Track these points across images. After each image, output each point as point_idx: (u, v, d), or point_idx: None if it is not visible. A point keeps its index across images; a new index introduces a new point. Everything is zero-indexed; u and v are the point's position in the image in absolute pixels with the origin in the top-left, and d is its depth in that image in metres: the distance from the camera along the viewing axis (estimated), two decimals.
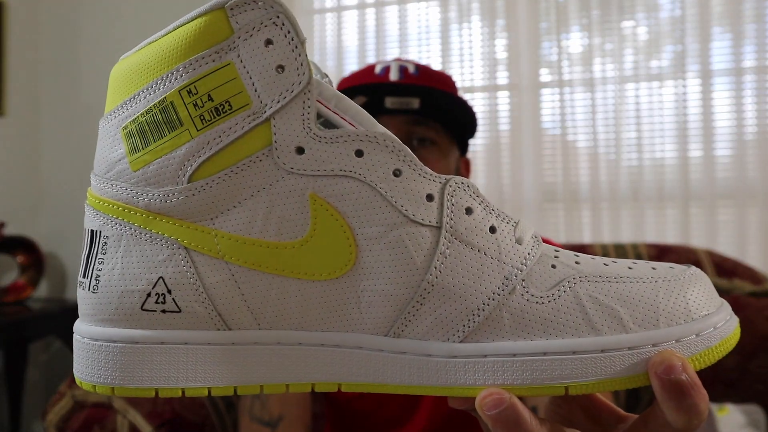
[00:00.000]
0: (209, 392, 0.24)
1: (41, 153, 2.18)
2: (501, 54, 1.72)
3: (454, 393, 0.24)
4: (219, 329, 0.24)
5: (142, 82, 0.24)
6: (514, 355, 0.23)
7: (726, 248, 1.50)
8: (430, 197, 0.24)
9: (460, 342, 0.24)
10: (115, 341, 0.24)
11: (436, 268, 0.24)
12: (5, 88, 2.05)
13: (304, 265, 0.24)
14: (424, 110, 0.69)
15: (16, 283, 1.99)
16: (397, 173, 0.24)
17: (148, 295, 0.24)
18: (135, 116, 0.24)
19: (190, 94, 0.23)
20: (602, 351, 0.23)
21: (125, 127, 0.25)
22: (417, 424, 0.73)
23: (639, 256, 1.18)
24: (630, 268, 0.25)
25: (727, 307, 0.25)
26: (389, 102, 0.68)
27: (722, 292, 1.08)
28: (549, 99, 1.68)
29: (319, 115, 0.24)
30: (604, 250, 1.20)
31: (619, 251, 1.19)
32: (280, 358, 0.25)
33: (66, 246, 2.16)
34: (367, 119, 0.25)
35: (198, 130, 0.24)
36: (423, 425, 0.73)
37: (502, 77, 1.72)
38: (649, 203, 1.59)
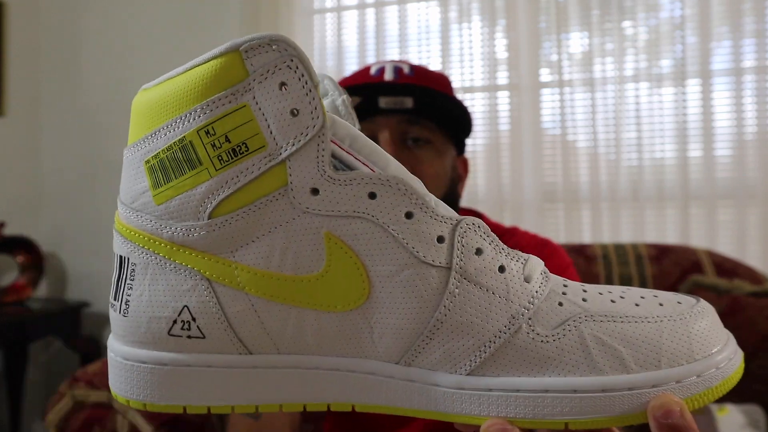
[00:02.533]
0: (233, 410, 0.26)
1: (41, 153, 2.18)
2: (501, 54, 1.72)
3: (459, 420, 0.25)
4: (240, 353, 0.26)
5: (162, 118, 0.25)
6: (518, 391, 0.24)
7: (726, 248, 1.50)
8: (440, 239, 0.25)
9: (467, 375, 0.25)
10: (145, 362, 0.26)
11: (445, 306, 0.25)
12: (5, 88, 2.05)
13: (320, 297, 0.25)
14: (418, 109, 0.69)
15: (16, 283, 1.99)
16: (408, 216, 0.25)
17: (174, 322, 0.25)
18: (156, 152, 0.25)
19: (208, 135, 0.24)
20: (603, 391, 0.24)
21: (148, 161, 0.25)
22: (419, 423, 0.73)
23: (639, 256, 1.18)
24: (637, 305, 0.26)
25: (732, 342, 0.26)
26: (383, 102, 0.68)
27: (722, 292, 1.08)
28: (549, 99, 1.68)
29: (333, 155, 0.25)
30: (604, 250, 1.20)
31: (619, 251, 1.19)
32: (298, 380, 0.26)
33: (66, 246, 2.16)
34: (382, 158, 0.26)
35: (216, 170, 0.24)
36: (425, 425, 0.73)
37: (502, 77, 1.72)
38: (649, 203, 1.59)
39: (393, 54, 1.82)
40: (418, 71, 0.73)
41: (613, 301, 0.26)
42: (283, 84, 0.24)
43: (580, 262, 1.18)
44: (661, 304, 0.26)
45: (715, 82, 1.55)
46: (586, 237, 1.65)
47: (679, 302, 0.26)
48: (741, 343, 1.01)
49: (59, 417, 0.93)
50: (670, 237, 1.57)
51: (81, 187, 2.14)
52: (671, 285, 1.13)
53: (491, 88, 1.72)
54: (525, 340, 0.24)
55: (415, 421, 0.73)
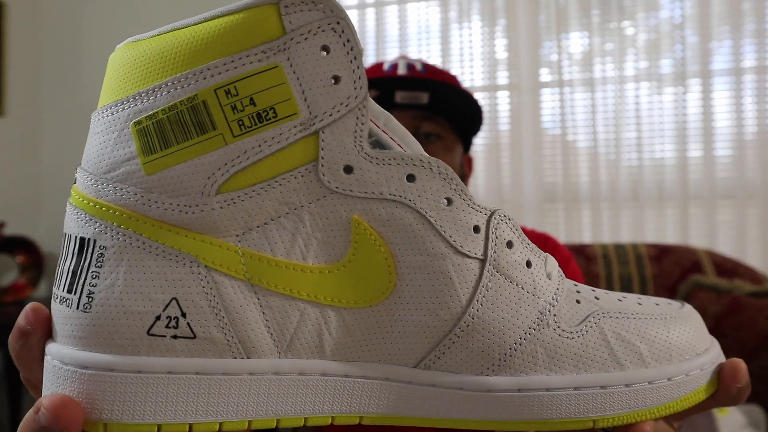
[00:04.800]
0: (220, 427, 0.22)
1: (41, 153, 2.18)
2: (501, 54, 1.72)
3: (487, 427, 0.24)
4: (236, 358, 0.22)
5: (165, 73, 0.21)
6: (548, 390, 0.23)
7: (726, 248, 1.50)
8: (476, 229, 0.24)
9: (496, 375, 0.23)
10: (112, 370, 0.21)
11: (477, 301, 0.23)
12: (5, 87, 2.05)
13: (338, 291, 0.22)
14: (433, 105, 0.70)
15: (15, 283, 1.99)
16: (449, 202, 0.23)
17: (158, 318, 0.21)
18: (153, 112, 0.21)
19: (228, 95, 0.21)
20: (626, 385, 0.24)
21: (138, 122, 0.21)
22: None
23: (639, 256, 1.18)
24: (639, 304, 0.27)
25: (716, 343, 0.28)
26: (399, 96, 0.69)
27: (722, 292, 1.08)
28: (549, 99, 1.68)
29: (370, 133, 0.23)
30: (604, 250, 1.20)
31: (619, 251, 1.19)
32: (301, 389, 0.23)
33: None
34: (414, 143, 0.24)
35: (234, 137, 0.21)
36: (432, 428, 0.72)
37: (502, 77, 1.72)
38: (649, 203, 1.59)
39: (393, 54, 1.82)
40: (430, 69, 0.74)
41: (620, 300, 0.26)
42: (325, 47, 0.21)
43: (581, 262, 1.18)
44: (657, 304, 0.27)
45: (715, 82, 1.55)
46: (586, 237, 1.65)
47: (669, 303, 0.28)
48: (741, 343, 1.02)
49: None
50: (670, 237, 1.57)
51: None
52: (671, 285, 1.13)
53: (491, 88, 1.72)
54: (552, 336, 0.24)
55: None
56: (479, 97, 1.73)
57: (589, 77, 1.63)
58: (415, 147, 0.24)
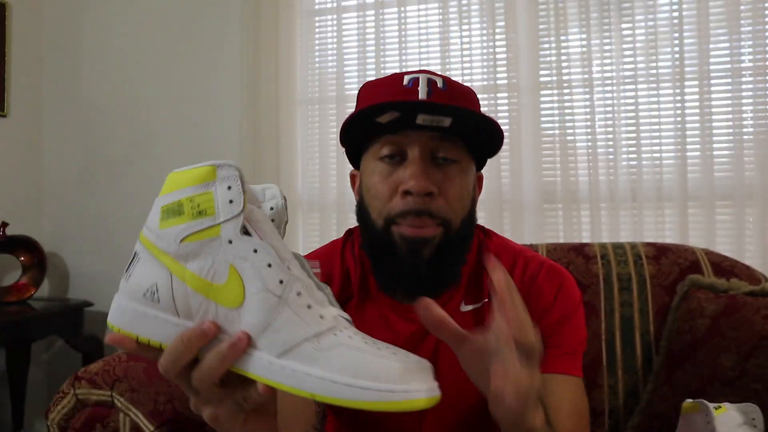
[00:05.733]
0: (148, 342, 0.46)
1: (43, 153, 2.19)
2: (501, 54, 1.72)
3: (264, 382, 0.44)
4: (174, 316, 0.46)
5: (176, 188, 0.46)
6: (309, 375, 0.43)
7: (724, 248, 1.51)
8: (281, 281, 0.45)
9: (276, 356, 0.44)
10: (128, 308, 0.46)
11: (273, 317, 0.44)
12: (8, 88, 2.05)
13: (220, 297, 0.45)
14: (453, 129, 0.69)
15: (18, 283, 1.99)
16: (269, 265, 0.45)
17: (148, 290, 0.46)
18: (167, 204, 0.46)
19: (191, 202, 0.45)
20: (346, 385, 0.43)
21: (163, 207, 0.46)
22: (428, 428, 0.74)
23: (638, 256, 1.18)
24: (378, 349, 0.45)
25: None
26: (421, 119, 0.67)
27: (720, 292, 1.09)
28: (548, 99, 1.69)
29: (245, 226, 0.45)
30: (603, 250, 1.20)
31: (618, 251, 1.20)
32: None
33: (68, 246, 2.17)
34: (272, 233, 0.46)
35: (190, 220, 0.45)
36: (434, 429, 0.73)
37: (502, 78, 1.72)
38: (648, 203, 1.60)
39: (393, 55, 1.83)
40: (451, 86, 0.73)
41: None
42: (230, 187, 0.45)
43: (580, 262, 1.18)
44: (394, 353, 0.44)
45: (714, 83, 1.56)
46: (585, 237, 1.65)
47: (407, 356, 0.45)
48: (738, 343, 1.01)
49: (61, 416, 0.93)
50: (669, 237, 1.58)
51: (83, 187, 2.15)
52: (670, 284, 1.14)
53: (491, 89, 1.73)
54: (309, 347, 0.44)
55: (424, 427, 0.74)
56: (479, 97, 1.73)
57: (588, 78, 1.64)
58: (270, 236, 0.46)
